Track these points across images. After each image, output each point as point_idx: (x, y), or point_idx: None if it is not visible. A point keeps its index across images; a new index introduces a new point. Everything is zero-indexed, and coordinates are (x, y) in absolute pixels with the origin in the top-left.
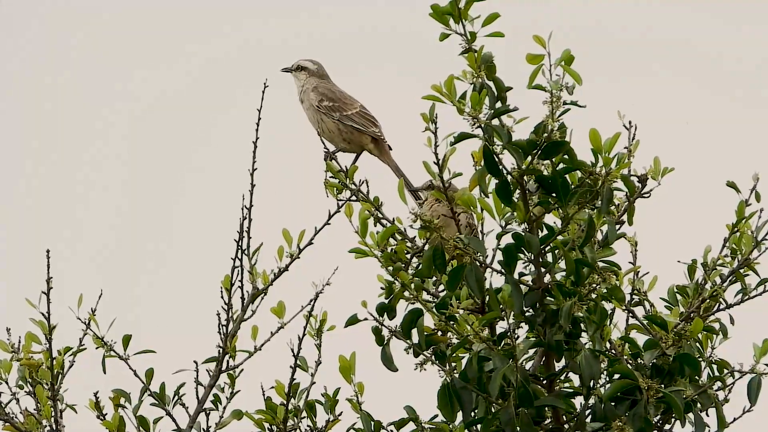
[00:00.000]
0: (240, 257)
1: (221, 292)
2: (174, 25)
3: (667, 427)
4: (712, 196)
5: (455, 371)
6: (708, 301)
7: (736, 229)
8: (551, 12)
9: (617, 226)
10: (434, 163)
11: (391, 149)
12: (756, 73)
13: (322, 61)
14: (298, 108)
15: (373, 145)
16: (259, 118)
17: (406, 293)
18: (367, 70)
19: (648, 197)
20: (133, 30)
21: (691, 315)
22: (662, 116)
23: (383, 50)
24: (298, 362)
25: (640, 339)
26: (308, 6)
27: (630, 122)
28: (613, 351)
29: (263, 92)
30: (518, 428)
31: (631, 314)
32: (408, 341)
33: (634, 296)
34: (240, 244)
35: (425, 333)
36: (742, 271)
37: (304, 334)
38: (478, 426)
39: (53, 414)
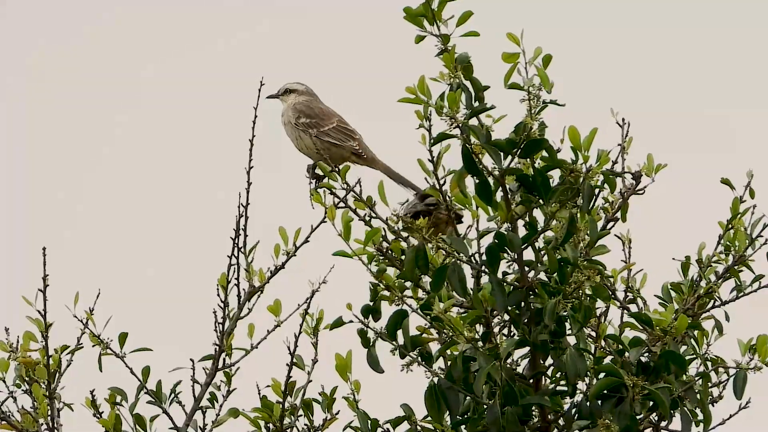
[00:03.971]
0: (236, 255)
1: (217, 289)
2: (172, 25)
3: (663, 423)
4: (706, 193)
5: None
6: (703, 298)
7: (730, 225)
8: (529, 7)
9: (611, 224)
10: (429, 160)
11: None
12: (751, 69)
13: (318, 65)
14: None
15: (355, 157)
16: (255, 116)
17: (388, 294)
18: (365, 71)
19: (642, 194)
20: (132, 30)
21: (687, 312)
22: (656, 111)
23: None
24: (294, 360)
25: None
26: (303, 7)
27: (623, 119)
28: (608, 349)
29: (259, 90)
30: (504, 427)
31: (626, 312)
32: (394, 343)
33: (628, 294)
34: (236, 241)
35: (418, 332)
36: (736, 267)
37: (300, 332)
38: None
39: (50, 412)
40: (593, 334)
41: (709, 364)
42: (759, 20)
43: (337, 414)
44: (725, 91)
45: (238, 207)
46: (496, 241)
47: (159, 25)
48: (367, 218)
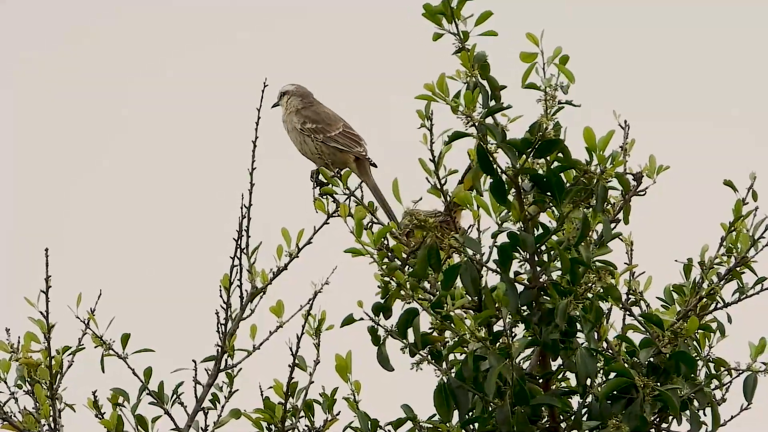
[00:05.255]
0: (239, 256)
1: (220, 290)
2: (173, 26)
3: (664, 425)
4: (709, 195)
5: (453, 370)
6: (705, 299)
7: (732, 227)
8: (546, 8)
9: (613, 225)
10: (430, 160)
11: (375, 166)
12: (752, 70)
13: (319, 65)
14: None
15: (355, 165)
16: (259, 117)
17: (402, 293)
18: (363, 70)
19: (644, 195)
20: (133, 30)
21: (689, 313)
22: (658, 113)
23: (380, 51)
24: (296, 361)
25: (637, 338)
26: (303, 7)
27: (625, 121)
28: (610, 350)
29: (262, 91)
30: (514, 427)
31: (628, 313)
32: (404, 341)
33: (630, 296)
34: (239, 243)
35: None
36: (738, 269)
37: (302, 333)
38: (475, 425)
39: (51, 413)
40: (595, 335)
41: (711, 365)
42: (760, 20)
43: (337, 415)
44: (726, 91)
45: (241, 208)
46: (508, 240)
47: (159, 26)
48: (369, 225)
